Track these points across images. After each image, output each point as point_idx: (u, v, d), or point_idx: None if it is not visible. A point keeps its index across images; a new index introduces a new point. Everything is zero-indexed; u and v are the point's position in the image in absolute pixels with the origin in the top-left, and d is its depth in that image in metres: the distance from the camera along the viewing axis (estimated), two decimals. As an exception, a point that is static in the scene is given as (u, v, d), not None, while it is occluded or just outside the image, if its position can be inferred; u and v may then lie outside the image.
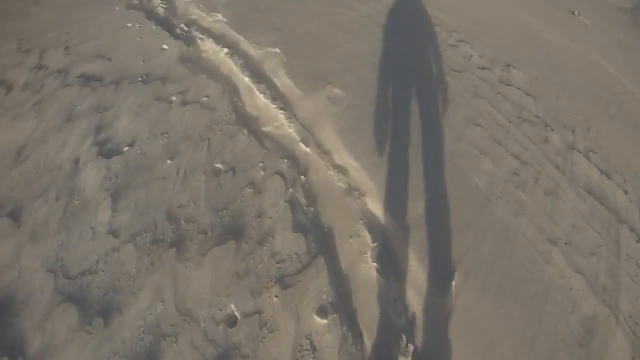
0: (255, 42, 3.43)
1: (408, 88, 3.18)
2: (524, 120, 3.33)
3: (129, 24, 4.09)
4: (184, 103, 2.95)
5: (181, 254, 2.13)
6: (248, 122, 2.79)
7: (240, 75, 3.15)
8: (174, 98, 3.00)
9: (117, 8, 4.49)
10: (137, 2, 4.54)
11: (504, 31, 4.92)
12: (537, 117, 3.47)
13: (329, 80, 3.02)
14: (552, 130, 3.37)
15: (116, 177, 2.55)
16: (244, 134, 2.69)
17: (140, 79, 3.25)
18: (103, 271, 2.18)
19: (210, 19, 3.91)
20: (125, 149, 2.75)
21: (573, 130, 3.51)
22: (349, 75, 3.16)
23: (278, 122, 2.79)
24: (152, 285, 2.05)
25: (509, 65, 4.03)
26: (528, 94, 3.71)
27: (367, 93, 3.02)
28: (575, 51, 5.30)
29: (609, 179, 3.08)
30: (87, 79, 3.47)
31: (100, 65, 3.57)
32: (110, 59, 3.62)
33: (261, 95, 2.96)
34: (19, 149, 3.13)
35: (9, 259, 2.32)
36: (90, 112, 3.10)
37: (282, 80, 3.04)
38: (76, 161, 2.80)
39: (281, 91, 2.96)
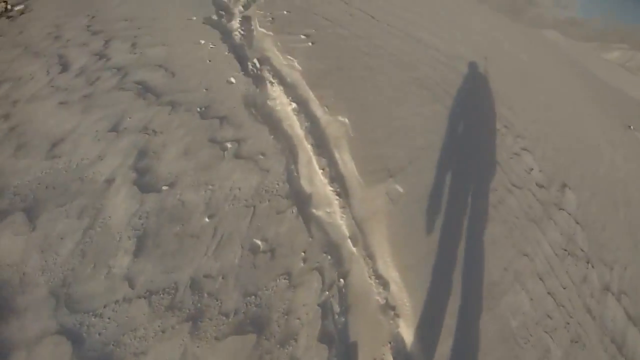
0: (326, 106, 3.45)
1: (464, 200, 3.17)
2: (569, 254, 3.32)
3: (202, 41, 4.19)
4: (238, 155, 2.96)
5: (196, 331, 2.07)
6: (299, 199, 2.77)
7: (304, 140, 3.17)
8: (229, 145, 3.02)
9: (194, 18, 4.61)
10: (216, 18, 4.66)
11: (564, 141, 5.00)
12: (582, 250, 3.46)
13: (391, 173, 3.02)
14: (593, 267, 3.38)
15: (147, 218, 2.52)
16: (292, 212, 2.66)
17: (199, 109, 3.28)
18: (109, 318, 2.13)
19: (285, 63, 3.98)
20: (164, 187, 2.72)
21: (611, 269, 3.50)
22: (410, 169, 3.16)
23: (331, 208, 2.76)
24: (158, 355, 1.97)
25: (565, 186, 4.06)
26: (577, 222, 3.70)
27: (423, 197, 3.01)
28: (625, 171, 5.37)
29: (634, 325, 3.03)
30: (145, 89, 3.52)
31: (162, 78, 3.63)
32: (173, 74, 3.68)
33: (320, 172, 2.96)
34: (55, 142, 3.16)
35: (14, 260, 2.29)
36: (138, 130, 3.14)
37: (345, 159, 3.04)
38: (110, 181, 2.78)
39: (341, 172, 2.95)
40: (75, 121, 3.33)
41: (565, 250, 3.38)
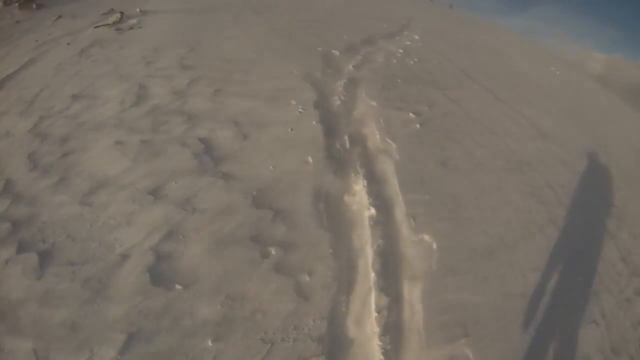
0: (413, 216, 3.03)
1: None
2: None
3: (293, 102, 4.10)
4: (278, 268, 2.71)
5: None
6: (334, 347, 2.43)
7: (369, 263, 2.84)
8: (272, 252, 2.80)
9: (295, 72, 4.60)
10: (319, 76, 4.59)
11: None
12: None
13: (467, 331, 2.43)
14: None
15: (146, 317, 2.42)
16: (320, 365, 2.28)
17: (255, 192, 3.18)
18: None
19: (382, 147, 3.70)
20: (177, 287, 2.59)
21: None
22: (489, 327, 2.54)
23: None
24: None
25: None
26: None
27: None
28: None
29: None
30: (206, 150, 3.55)
31: (230, 140, 3.71)
32: (245, 137, 3.61)
33: (374, 314, 2.52)
34: (94, 187, 3.31)
35: (12, 300, 2.48)
36: (177, 202, 3.12)
37: (414, 302, 2.60)
38: (125, 257, 2.76)
39: (402, 321, 2.51)
40: (122, 168, 3.47)
41: None
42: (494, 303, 2.75)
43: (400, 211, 3.23)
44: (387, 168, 3.59)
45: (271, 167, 3.42)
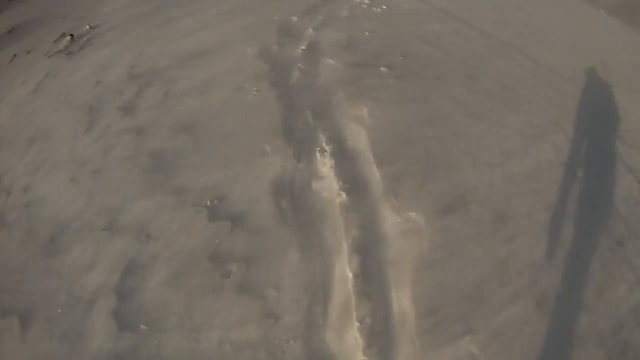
0: (394, 194, 2.70)
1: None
2: None
3: (247, 85, 3.93)
4: (241, 287, 2.51)
5: None
6: None
7: (346, 263, 2.51)
8: (233, 269, 2.60)
9: (249, 50, 4.32)
10: (276, 49, 4.30)
11: None
12: None
13: (470, 327, 2.13)
14: None
15: None
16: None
17: (209, 202, 3.00)
18: None
19: (352, 114, 3.41)
20: (142, 327, 2.50)
21: None
22: (494, 324, 2.23)
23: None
24: None
25: None
26: None
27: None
28: None
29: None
30: (157, 165, 3.46)
31: (181, 147, 3.57)
32: (196, 141, 3.47)
33: (357, 324, 2.21)
34: (56, 234, 3.24)
35: None
36: (132, 232, 2.99)
37: (403, 303, 2.27)
38: (91, 302, 2.71)
39: (390, 327, 2.20)
40: (78, 207, 3.42)
41: None
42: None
43: (377, 189, 2.88)
44: (359, 138, 3.24)
45: (225, 169, 3.19)
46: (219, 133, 3.53)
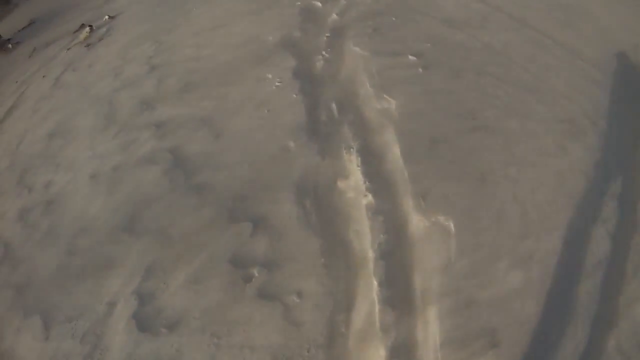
0: (423, 195, 2.61)
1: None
2: None
3: (270, 75, 3.93)
4: (262, 293, 2.46)
5: None
6: None
7: (371, 270, 2.44)
8: (255, 274, 2.54)
9: (270, 38, 4.18)
10: (298, 35, 4.16)
11: None
12: None
13: (494, 341, 2.03)
14: None
15: None
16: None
17: (231, 202, 2.94)
18: None
19: (379, 107, 3.32)
20: (162, 330, 2.48)
21: None
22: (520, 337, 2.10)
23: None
24: None
25: None
26: None
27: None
28: None
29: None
30: (176, 162, 3.42)
31: (201, 143, 3.51)
32: (217, 136, 3.53)
33: (380, 334, 2.17)
34: (76, 233, 3.25)
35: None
36: (153, 234, 2.96)
37: (428, 315, 2.17)
38: (112, 305, 2.72)
39: (413, 338, 2.16)
40: (98, 206, 3.40)
41: None
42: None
43: (405, 190, 2.76)
44: (387, 134, 3.12)
45: (247, 166, 3.12)
46: (240, 128, 3.47)
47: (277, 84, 3.73)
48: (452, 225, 2.51)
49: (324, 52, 4.07)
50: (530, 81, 3.51)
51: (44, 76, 5.81)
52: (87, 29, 6.28)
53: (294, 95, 3.58)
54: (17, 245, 3.36)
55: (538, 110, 3.24)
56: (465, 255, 2.38)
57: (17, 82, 6.18)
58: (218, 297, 2.53)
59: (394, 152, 3.00)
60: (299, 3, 5.08)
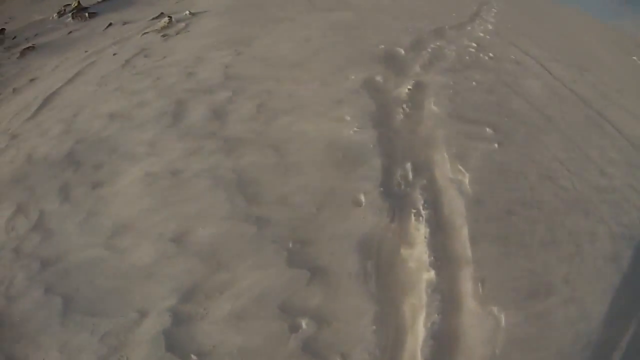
0: (482, 281, 2.62)
1: None
2: None
3: (348, 118, 3.88)
4: (307, 347, 2.35)
5: None
6: None
7: (418, 347, 2.39)
8: (303, 325, 2.46)
9: (352, 77, 4.17)
10: (380, 80, 4.18)
11: None
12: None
13: None
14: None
15: None
16: None
17: (291, 244, 2.85)
18: None
19: (452, 177, 3.31)
20: (193, 356, 2.40)
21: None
22: None
23: None
24: None
25: None
26: None
27: None
28: None
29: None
30: (239, 184, 3.34)
31: (267, 175, 3.42)
32: (286, 171, 3.40)
33: None
34: (118, 229, 3.20)
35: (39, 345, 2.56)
36: (202, 253, 2.89)
37: None
38: (142, 314, 2.65)
39: None
40: (148, 207, 3.33)
41: None
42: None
43: (467, 272, 2.71)
44: (457, 209, 3.08)
45: (314, 210, 3.05)
46: (311, 164, 3.42)
47: (355, 129, 3.69)
48: (503, 318, 2.48)
49: (404, 106, 4.05)
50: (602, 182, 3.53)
51: (114, 54, 5.90)
52: (166, 19, 6.39)
53: (371, 146, 3.54)
54: (53, 218, 3.35)
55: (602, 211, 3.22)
56: (512, 352, 2.35)
57: (86, 51, 6.28)
58: (260, 339, 2.44)
59: (462, 231, 2.96)
60: (383, 47, 5.11)
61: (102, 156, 3.97)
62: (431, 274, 2.72)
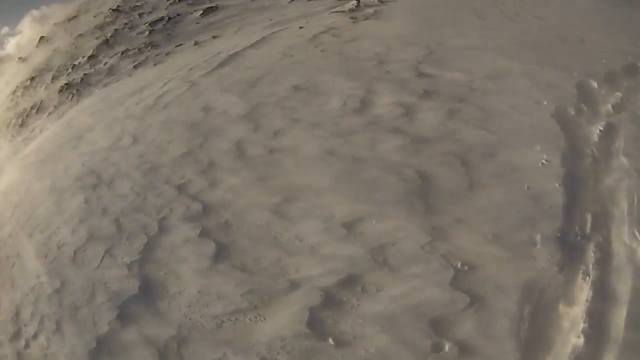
0: None
1: None
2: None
3: (538, 148, 3.66)
4: None
5: None
6: None
7: None
8: (446, 348, 2.47)
9: (545, 103, 4.15)
10: (573, 113, 3.99)
11: None
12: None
13: None
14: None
15: (287, 354, 2.50)
16: None
17: (459, 266, 2.84)
18: None
19: (628, 244, 2.97)
20: (330, 341, 2.54)
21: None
22: None
23: None
24: None
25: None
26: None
27: None
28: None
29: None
30: (421, 191, 3.37)
31: (452, 185, 3.42)
32: (471, 186, 3.40)
33: None
34: (291, 194, 3.42)
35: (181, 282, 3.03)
36: (369, 244, 3.04)
37: None
38: (294, 286, 2.87)
39: None
40: (324, 185, 3.51)
41: None
42: None
43: (613, 354, 2.47)
44: (624, 281, 2.79)
45: (490, 237, 2.99)
46: (499, 186, 3.34)
47: (543, 161, 3.52)
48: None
49: (594, 149, 3.78)
50: None
51: (301, 27, 6.20)
52: (355, 1, 6.55)
53: (557, 185, 3.36)
54: (224, 169, 3.74)
55: None
56: None
57: (271, 20, 6.67)
58: (400, 347, 2.49)
59: (621, 310, 2.68)
60: (576, 74, 4.77)
61: (282, 123, 4.22)
62: (580, 341, 2.56)
